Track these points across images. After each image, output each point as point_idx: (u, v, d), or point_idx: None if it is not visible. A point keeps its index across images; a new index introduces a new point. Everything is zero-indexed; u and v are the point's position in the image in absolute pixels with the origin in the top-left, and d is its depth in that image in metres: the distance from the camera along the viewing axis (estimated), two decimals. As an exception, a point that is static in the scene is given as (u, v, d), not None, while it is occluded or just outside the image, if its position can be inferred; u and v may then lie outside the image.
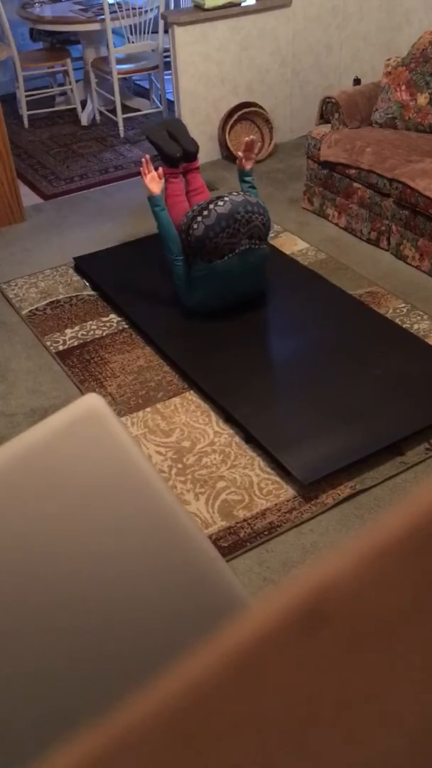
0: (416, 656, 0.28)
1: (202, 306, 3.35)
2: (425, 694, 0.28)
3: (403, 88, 4.09)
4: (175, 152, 3.57)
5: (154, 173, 3.35)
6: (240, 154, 3.43)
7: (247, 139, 3.40)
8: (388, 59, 4.20)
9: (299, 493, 2.56)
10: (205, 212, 3.12)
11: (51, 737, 0.89)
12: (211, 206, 3.13)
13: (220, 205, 3.12)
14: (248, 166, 3.46)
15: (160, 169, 3.44)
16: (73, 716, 0.90)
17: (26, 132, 5.86)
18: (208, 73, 4.84)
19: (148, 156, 3.46)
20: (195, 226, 3.13)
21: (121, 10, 5.29)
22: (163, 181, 3.42)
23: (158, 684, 0.28)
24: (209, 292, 3.29)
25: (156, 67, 5.65)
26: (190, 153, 3.61)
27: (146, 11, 5.43)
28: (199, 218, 3.13)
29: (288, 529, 2.45)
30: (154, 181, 3.33)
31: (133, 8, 5.37)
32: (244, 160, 3.43)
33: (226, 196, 3.16)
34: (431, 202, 3.52)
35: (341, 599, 0.28)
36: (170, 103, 5.66)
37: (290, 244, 4.06)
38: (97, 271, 3.85)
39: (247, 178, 3.48)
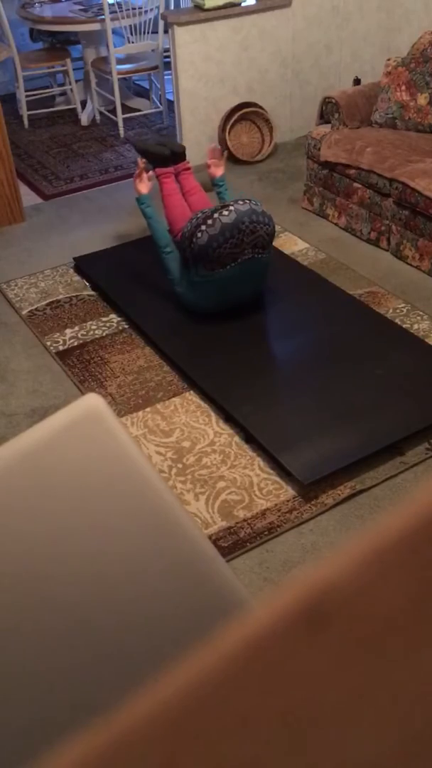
0: (417, 655, 0.28)
1: (202, 308, 3.35)
2: (427, 693, 0.28)
3: (403, 88, 4.09)
4: (163, 151, 3.73)
5: (144, 175, 3.48)
6: (208, 162, 3.64)
7: (210, 147, 3.60)
8: (388, 59, 4.20)
9: (299, 493, 2.56)
10: (210, 221, 3.07)
11: (51, 737, 0.89)
12: (216, 215, 3.08)
13: (224, 215, 3.06)
14: (219, 173, 3.66)
15: (150, 172, 3.54)
16: (72, 716, 0.90)
17: (26, 132, 5.86)
18: (208, 73, 4.84)
19: (144, 160, 3.61)
20: (199, 234, 3.08)
21: (121, 10, 5.29)
22: (153, 183, 3.52)
23: (158, 684, 0.28)
24: (209, 297, 3.29)
25: (156, 67, 5.65)
26: (177, 153, 3.77)
27: (146, 11, 5.43)
28: (203, 227, 3.08)
29: (288, 529, 2.45)
30: (143, 183, 3.47)
31: (133, 8, 5.37)
32: (213, 168, 3.64)
33: (232, 205, 3.10)
34: (431, 202, 3.52)
35: (342, 599, 0.28)
36: (170, 103, 5.66)
37: (290, 244, 4.06)
38: (97, 271, 3.85)
39: (219, 182, 3.63)
